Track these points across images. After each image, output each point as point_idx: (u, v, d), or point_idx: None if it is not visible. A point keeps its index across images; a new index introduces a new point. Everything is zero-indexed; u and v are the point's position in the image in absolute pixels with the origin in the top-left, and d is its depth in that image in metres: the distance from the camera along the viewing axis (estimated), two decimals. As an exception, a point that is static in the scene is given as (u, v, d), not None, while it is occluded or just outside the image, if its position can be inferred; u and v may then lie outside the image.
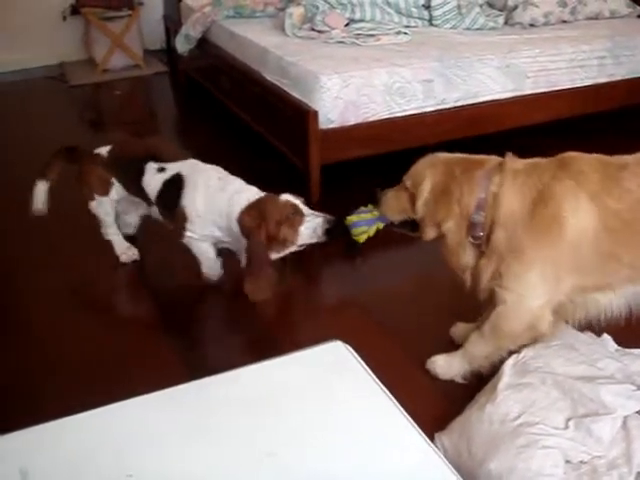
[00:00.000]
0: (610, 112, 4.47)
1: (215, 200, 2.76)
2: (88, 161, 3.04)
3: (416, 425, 1.38)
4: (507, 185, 2.19)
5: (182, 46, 5.12)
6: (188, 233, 2.84)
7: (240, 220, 2.68)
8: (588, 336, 2.42)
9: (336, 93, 3.53)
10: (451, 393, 2.40)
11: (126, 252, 3.20)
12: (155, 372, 2.50)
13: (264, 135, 4.08)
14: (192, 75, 5.45)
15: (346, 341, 1.59)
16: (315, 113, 3.48)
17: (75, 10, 6.07)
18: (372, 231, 2.58)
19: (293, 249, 2.73)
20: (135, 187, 2.97)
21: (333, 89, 3.52)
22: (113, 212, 3.12)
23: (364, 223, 2.56)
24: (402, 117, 3.73)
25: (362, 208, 2.60)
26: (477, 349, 2.39)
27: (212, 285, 2.99)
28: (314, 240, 2.70)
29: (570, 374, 2.18)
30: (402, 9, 4.48)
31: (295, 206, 2.67)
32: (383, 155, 3.67)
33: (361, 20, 4.33)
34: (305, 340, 1.63)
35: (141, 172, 2.92)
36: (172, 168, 2.90)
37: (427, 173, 2.31)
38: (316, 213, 2.69)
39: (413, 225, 2.43)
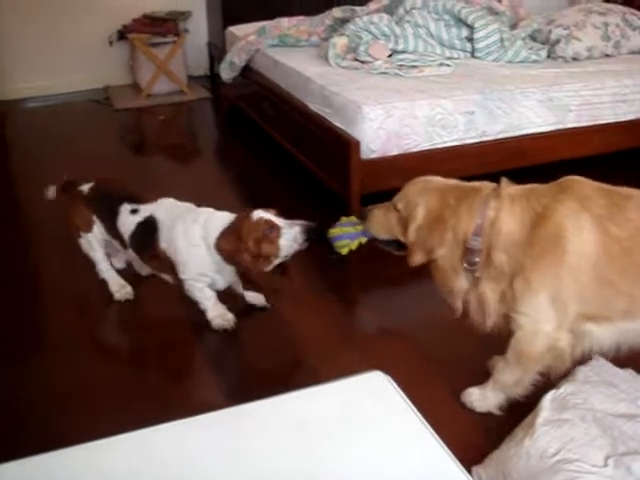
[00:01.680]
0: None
1: (191, 233, 2.73)
2: (72, 196, 3.04)
3: (455, 458, 1.37)
4: (505, 209, 2.21)
5: (226, 73, 5.19)
6: (182, 275, 2.81)
7: (218, 246, 2.68)
8: (629, 373, 2.40)
9: (378, 124, 3.56)
10: (490, 426, 2.39)
11: (120, 291, 3.13)
12: (192, 398, 2.55)
13: (305, 163, 4.12)
14: (235, 102, 5.52)
15: (386, 371, 1.59)
16: (357, 143, 3.52)
17: (122, 36, 6.19)
18: (354, 245, 2.58)
19: (279, 261, 2.73)
20: (112, 228, 2.94)
21: (376, 120, 3.56)
22: (101, 249, 3.08)
23: (346, 237, 2.57)
24: (443, 148, 3.76)
25: (343, 219, 2.61)
26: (506, 377, 2.39)
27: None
28: (296, 249, 2.68)
29: (610, 411, 2.16)
30: (445, 41, 4.51)
31: (269, 221, 2.64)
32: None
33: (404, 51, 4.36)
34: (345, 370, 1.63)
35: (116, 213, 2.90)
36: (145, 210, 2.87)
37: (420, 200, 2.32)
38: (292, 222, 2.67)
39: (398, 244, 2.46)
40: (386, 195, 3.51)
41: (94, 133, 5.50)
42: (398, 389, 1.55)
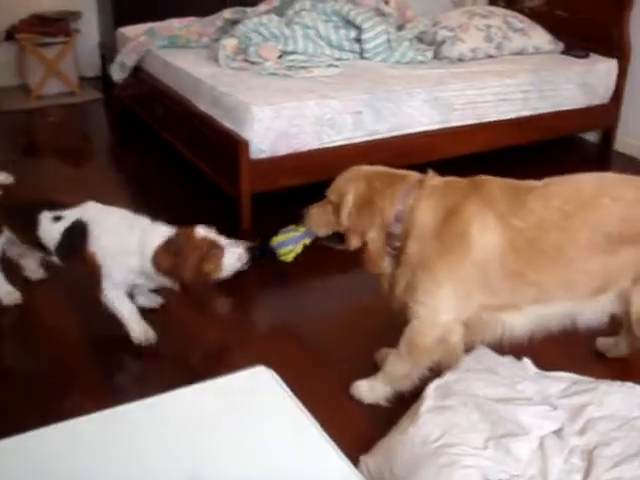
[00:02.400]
0: (535, 144, 4.64)
1: (126, 241, 2.65)
2: None
3: (338, 449, 1.41)
4: (423, 200, 2.30)
5: (117, 74, 5.12)
6: (104, 284, 2.72)
7: (155, 261, 2.60)
8: (509, 360, 2.49)
9: (267, 124, 3.59)
10: (377, 418, 2.45)
11: (7, 296, 3.02)
12: (80, 397, 2.53)
13: (196, 163, 4.11)
14: (127, 103, 5.45)
15: (274, 368, 1.62)
16: (246, 143, 3.54)
17: (10, 36, 6.01)
18: (299, 248, 2.60)
19: (219, 280, 2.68)
20: (31, 239, 2.82)
21: (265, 120, 3.58)
22: None
23: (290, 242, 2.58)
24: (332, 147, 3.82)
25: (283, 229, 2.63)
26: (396, 369, 2.46)
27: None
28: (238, 269, 2.65)
29: (490, 396, 2.24)
30: (334, 42, 4.56)
31: (212, 242, 2.60)
32: (314, 184, 3.73)
33: (294, 52, 4.39)
34: (233, 367, 1.64)
35: (35, 223, 2.76)
36: (70, 215, 2.75)
37: (350, 186, 2.40)
38: (235, 242, 2.64)
39: (340, 238, 2.50)
40: (277, 195, 3.58)
41: (-19, 136, 5.34)
42: (282, 383, 1.58)
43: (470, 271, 2.26)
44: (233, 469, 1.34)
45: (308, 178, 3.69)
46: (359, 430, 2.39)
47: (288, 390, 1.57)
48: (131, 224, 2.70)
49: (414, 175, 2.41)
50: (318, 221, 2.52)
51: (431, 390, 2.30)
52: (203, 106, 4.01)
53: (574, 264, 2.29)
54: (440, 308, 2.33)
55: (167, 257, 2.58)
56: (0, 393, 2.61)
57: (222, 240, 2.63)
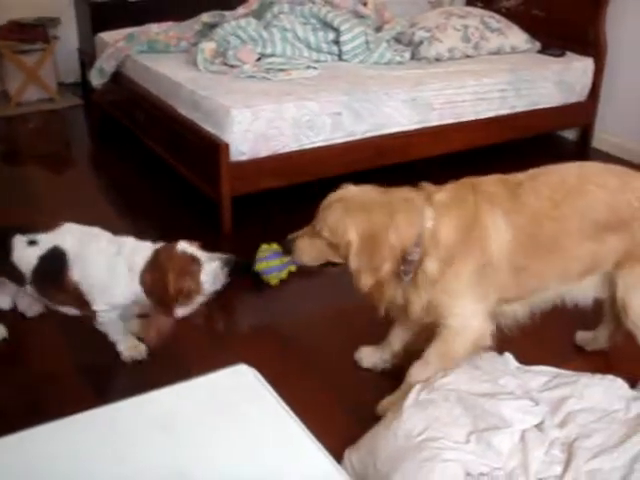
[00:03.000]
0: (513, 142, 4.68)
1: (115, 266, 2.54)
2: None
3: (321, 445, 1.43)
4: (444, 219, 2.25)
5: (96, 79, 5.11)
6: (96, 307, 2.60)
7: (142, 282, 2.50)
8: (491, 355, 2.51)
9: (247, 126, 3.61)
10: (362, 416, 2.45)
11: None
12: (62, 399, 2.52)
13: (177, 168, 4.11)
14: (107, 108, 5.44)
15: (256, 367, 1.63)
16: (226, 146, 3.55)
17: (-13, 43, 6.01)
18: (284, 275, 2.56)
19: (201, 300, 2.57)
20: (2, 266, 2.65)
21: (244, 122, 3.60)
22: None
23: (275, 269, 2.53)
24: (311, 149, 3.83)
25: (264, 248, 2.53)
26: (424, 376, 2.38)
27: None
28: (219, 285, 2.54)
29: (473, 391, 2.27)
30: (312, 44, 4.58)
31: (191, 256, 2.48)
32: (295, 186, 3.76)
33: (272, 55, 4.40)
34: (215, 367, 1.64)
35: (8, 249, 2.59)
36: (46, 240, 2.59)
37: (348, 222, 2.23)
38: (212, 255, 2.52)
39: (331, 263, 2.39)
40: (257, 197, 3.58)
41: (-40, 143, 5.32)
42: (263, 381, 1.59)
43: (488, 273, 2.29)
44: (217, 465, 1.36)
45: (288, 180, 3.71)
46: (342, 427, 2.40)
47: (270, 388, 1.58)
48: (118, 247, 2.58)
49: (415, 195, 2.30)
50: (308, 254, 2.37)
51: (416, 386, 2.33)
52: (183, 110, 4.02)
53: (567, 252, 2.34)
54: (470, 314, 2.34)
55: (152, 275, 2.49)
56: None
57: (200, 254, 2.51)
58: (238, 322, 3.27)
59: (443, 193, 2.31)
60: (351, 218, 2.23)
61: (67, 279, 2.56)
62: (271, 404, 1.54)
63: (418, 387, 2.31)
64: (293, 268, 2.55)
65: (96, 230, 2.67)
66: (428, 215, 2.24)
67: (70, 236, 2.61)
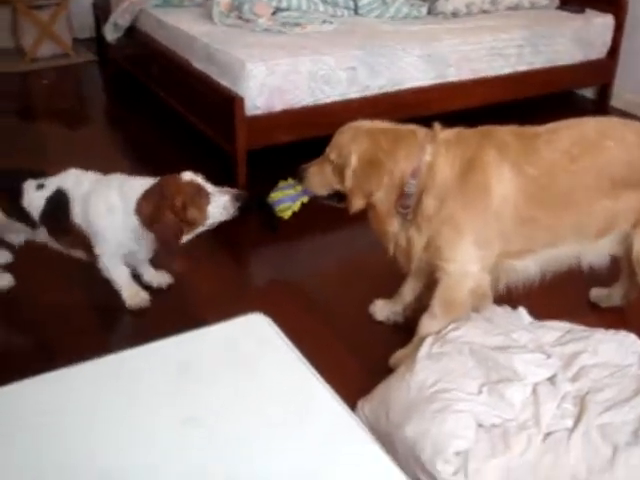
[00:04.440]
0: (530, 100, 4.63)
1: (108, 201, 2.59)
2: None
3: (334, 393, 1.43)
4: (441, 155, 2.27)
5: (111, 34, 5.10)
6: (98, 251, 2.67)
7: (138, 210, 2.52)
8: (504, 309, 2.52)
9: (262, 80, 3.59)
10: (375, 368, 2.47)
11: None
12: (77, 345, 2.54)
13: (193, 122, 4.10)
14: (122, 64, 5.42)
15: (272, 319, 1.63)
16: (241, 100, 3.54)
17: (3, -1, 5.99)
18: (297, 206, 2.58)
19: (203, 229, 2.62)
20: (16, 210, 2.70)
21: (259, 76, 3.58)
22: None
23: (287, 199, 2.56)
24: (327, 104, 3.82)
25: (281, 183, 2.60)
26: (432, 330, 2.40)
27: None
28: (225, 218, 2.58)
29: (486, 344, 2.27)
30: (328, -2, 4.54)
31: (199, 185, 2.53)
32: (309, 140, 3.74)
33: (287, 9, 4.38)
34: (229, 317, 1.65)
35: (19, 193, 2.67)
36: (52, 183, 2.67)
37: (353, 145, 2.32)
38: (222, 190, 2.57)
39: (339, 197, 2.46)
40: (272, 151, 3.58)
41: (-24, 99, 5.31)
42: (277, 330, 1.59)
43: (490, 221, 2.27)
44: (230, 411, 1.37)
45: (303, 134, 3.69)
46: (354, 379, 2.41)
47: (284, 337, 1.58)
48: (107, 182, 2.65)
49: (421, 130, 2.35)
50: (317, 181, 2.46)
51: (429, 338, 2.33)
52: (198, 64, 4.00)
53: (582, 207, 2.33)
54: (468, 261, 2.33)
55: (150, 202, 2.52)
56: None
57: (208, 186, 2.56)
58: (254, 275, 3.29)
59: (449, 132, 2.34)
60: (356, 143, 2.32)
61: (71, 219, 2.63)
62: (285, 352, 1.54)
63: (430, 340, 2.32)
64: (305, 200, 2.56)
65: (91, 173, 2.74)
66: (428, 150, 2.27)
67: (70, 178, 2.70)
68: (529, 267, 2.44)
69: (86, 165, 2.79)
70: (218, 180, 2.65)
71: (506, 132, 2.33)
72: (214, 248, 3.30)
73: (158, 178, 2.60)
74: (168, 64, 4.36)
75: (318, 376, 1.48)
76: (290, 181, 2.58)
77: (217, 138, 3.83)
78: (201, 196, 2.52)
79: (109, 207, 2.59)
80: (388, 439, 2.03)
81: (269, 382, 1.45)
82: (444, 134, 2.32)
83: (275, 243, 3.39)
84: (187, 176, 2.54)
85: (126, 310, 2.80)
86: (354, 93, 3.90)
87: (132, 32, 4.99)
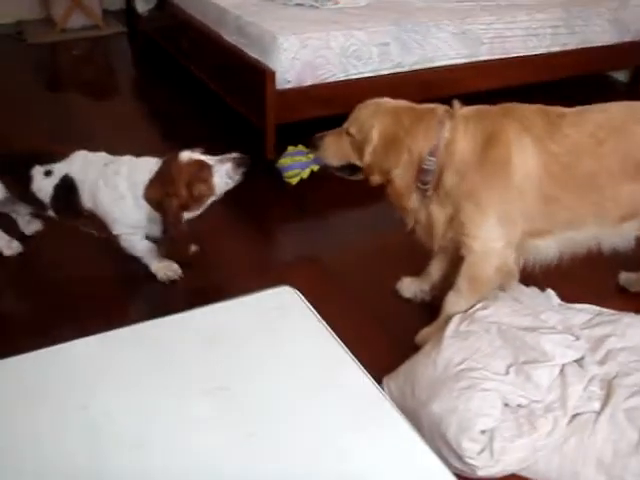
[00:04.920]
0: (562, 80, 4.57)
1: (115, 187, 2.60)
2: None
3: (362, 366, 1.43)
4: (460, 131, 2.26)
5: (142, 6, 5.10)
6: (116, 232, 2.69)
7: (147, 196, 2.57)
8: (532, 290, 2.51)
9: (293, 54, 3.56)
10: (401, 344, 2.48)
11: (9, 246, 2.95)
12: (107, 315, 2.58)
13: (222, 96, 4.09)
14: (152, 36, 5.42)
15: (301, 292, 1.63)
16: (272, 73, 3.51)
17: (34, -32, 6.00)
18: (306, 174, 2.58)
19: (212, 200, 2.65)
20: (26, 195, 2.73)
21: (290, 50, 3.55)
22: None
23: (298, 166, 2.55)
24: (358, 79, 3.78)
25: (291, 149, 2.60)
26: (458, 308, 2.41)
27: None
28: (232, 185, 2.61)
29: (514, 324, 2.26)
30: (361, -27, 4.48)
31: (199, 162, 2.55)
32: (339, 116, 3.72)
33: (320, -18, 4.33)
34: (257, 289, 1.65)
35: (29, 178, 2.69)
36: (59, 169, 2.68)
37: (374, 121, 2.32)
38: (223, 158, 2.59)
39: (351, 168, 2.48)
40: (300, 126, 3.56)
41: (6, 69, 5.31)
42: (306, 302, 1.59)
43: (513, 197, 2.25)
44: (259, 380, 1.37)
45: (333, 109, 3.64)
46: (381, 355, 2.39)
47: (313, 309, 1.58)
48: (115, 168, 2.64)
49: (440, 107, 2.35)
50: (332, 151, 2.47)
51: (456, 317, 2.33)
52: (229, 37, 3.98)
53: (605, 191, 2.29)
54: (492, 237, 2.31)
55: (157, 188, 2.56)
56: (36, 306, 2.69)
57: (208, 159, 2.58)
58: (281, 250, 3.29)
59: (469, 109, 2.34)
60: (377, 119, 2.33)
61: (81, 206, 2.66)
62: (315, 325, 1.54)
63: (458, 318, 2.31)
64: (315, 168, 2.55)
65: (101, 154, 2.74)
66: (447, 126, 2.27)
67: (77, 163, 2.70)
68: (551, 247, 2.41)
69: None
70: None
71: (529, 109, 2.31)
72: (243, 223, 3.32)
73: (162, 159, 2.61)
74: (198, 37, 4.34)
75: (346, 349, 1.47)
76: (301, 147, 2.58)
77: (246, 112, 3.82)
78: (203, 171, 2.55)
79: (119, 195, 2.61)
80: (413, 416, 2.03)
81: (298, 353, 1.45)
82: (463, 111, 2.32)
83: (303, 219, 3.40)
84: (186, 155, 2.56)
85: (156, 282, 2.82)
86: (385, 70, 3.86)
87: (163, 4, 4.98)
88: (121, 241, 2.73)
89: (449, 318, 2.39)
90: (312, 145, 2.51)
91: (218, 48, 4.05)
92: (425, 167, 2.28)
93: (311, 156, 2.54)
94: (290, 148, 2.61)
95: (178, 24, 4.70)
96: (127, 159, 2.69)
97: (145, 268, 2.84)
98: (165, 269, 2.82)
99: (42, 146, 2.86)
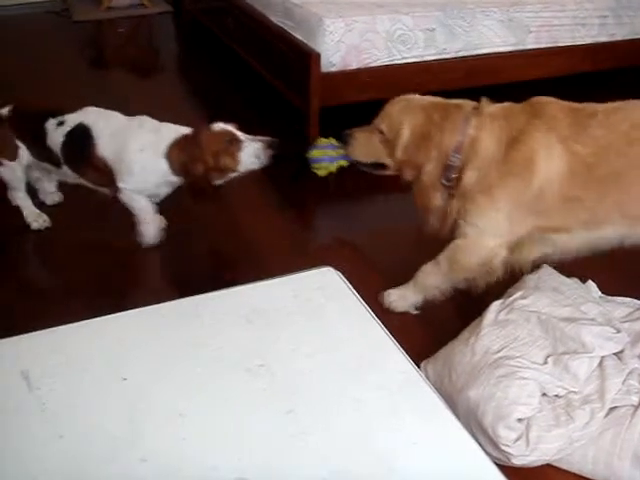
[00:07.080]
0: (609, 71, 4.51)
1: (137, 139, 2.64)
2: None
3: (401, 348, 1.43)
4: (485, 128, 2.26)
5: (188, -15, 5.12)
6: (121, 184, 2.71)
7: (170, 155, 2.61)
8: (573, 281, 2.49)
9: (339, 37, 3.56)
10: (438, 329, 2.48)
11: (37, 219, 2.98)
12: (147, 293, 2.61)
13: (266, 76, 4.10)
14: (197, 16, 5.44)
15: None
16: (318, 56, 3.51)
17: (81, -54, 6.03)
18: (334, 167, 2.60)
19: (235, 175, 2.68)
20: (42, 151, 2.79)
21: (336, 33, 3.55)
22: (24, 177, 2.91)
23: (327, 159, 2.58)
24: (403, 64, 3.77)
25: (321, 142, 2.61)
26: (429, 280, 2.47)
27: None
28: (257, 165, 2.63)
29: (554, 314, 2.24)
30: (409, -42, 4.45)
31: (231, 133, 2.59)
32: (382, 101, 3.71)
33: (367, -34, 4.31)
34: (295, 271, 1.66)
35: (44, 133, 2.74)
36: (72, 119, 2.73)
37: (405, 118, 2.35)
38: (254, 137, 2.61)
39: (380, 166, 2.50)
40: (344, 109, 3.56)
41: (52, 46, 5.34)
42: (348, 283, 1.59)
43: (530, 197, 2.24)
44: (298, 358, 1.37)
45: (377, 94, 3.61)
46: (421, 339, 2.43)
47: (354, 290, 1.58)
48: (141, 122, 2.70)
49: (467, 103, 2.36)
50: (362, 148, 2.50)
51: (495, 305, 2.31)
52: (275, 18, 3.99)
53: (631, 189, 2.25)
54: (489, 230, 2.32)
55: (183, 152, 2.60)
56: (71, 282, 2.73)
57: (240, 134, 2.61)
58: (319, 233, 3.30)
59: (496, 106, 2.34)
60: (408, 116, 2.36)
61: (94, 153, 2.68)
62: (355, 305, 1.54)
63: (497, 306, 2.30)
64: (344, 163, 2.58)
65: (117, 112, 2.79)
66: (472, 123, 2.28)
67: (93, 114, 2.76)
68: (567, 243, 2.39)
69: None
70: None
71: (559, 108, 2.28)
72: (282, 206, 3.34)
73: (187, 129, 2.65)
74: (244, 17, 4.35)
75: (388, 333, 1.47)
76: (332, 140, 2.60)
77: (290, 94, 3.82)
78: (232, 143, 2.58)
79: (141, 146, 2.64)
80: (449, 401, 2.03)
81: (339, 334, 1.45)
82: (490, 108, 2.32)
83: (340, 202, 3.40)
84: (219, 126, 2.60)
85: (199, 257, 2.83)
86: (430, 55, 3.84)
87: (209, -16, 4.99)
88: (123, 195, 2.74)
89: (417, 286, 2.51)
90: (343, 140, 2.53)
91: (263, 29, 4.06)
92: (450, 163, 2.30)
93: (341, 151, 2.55)
94: (322, 140, 2.62)
95: (224, 4, 4.71)
96: (152, 119, 2.73)
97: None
98: (153, 229, 2.82)
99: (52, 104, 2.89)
